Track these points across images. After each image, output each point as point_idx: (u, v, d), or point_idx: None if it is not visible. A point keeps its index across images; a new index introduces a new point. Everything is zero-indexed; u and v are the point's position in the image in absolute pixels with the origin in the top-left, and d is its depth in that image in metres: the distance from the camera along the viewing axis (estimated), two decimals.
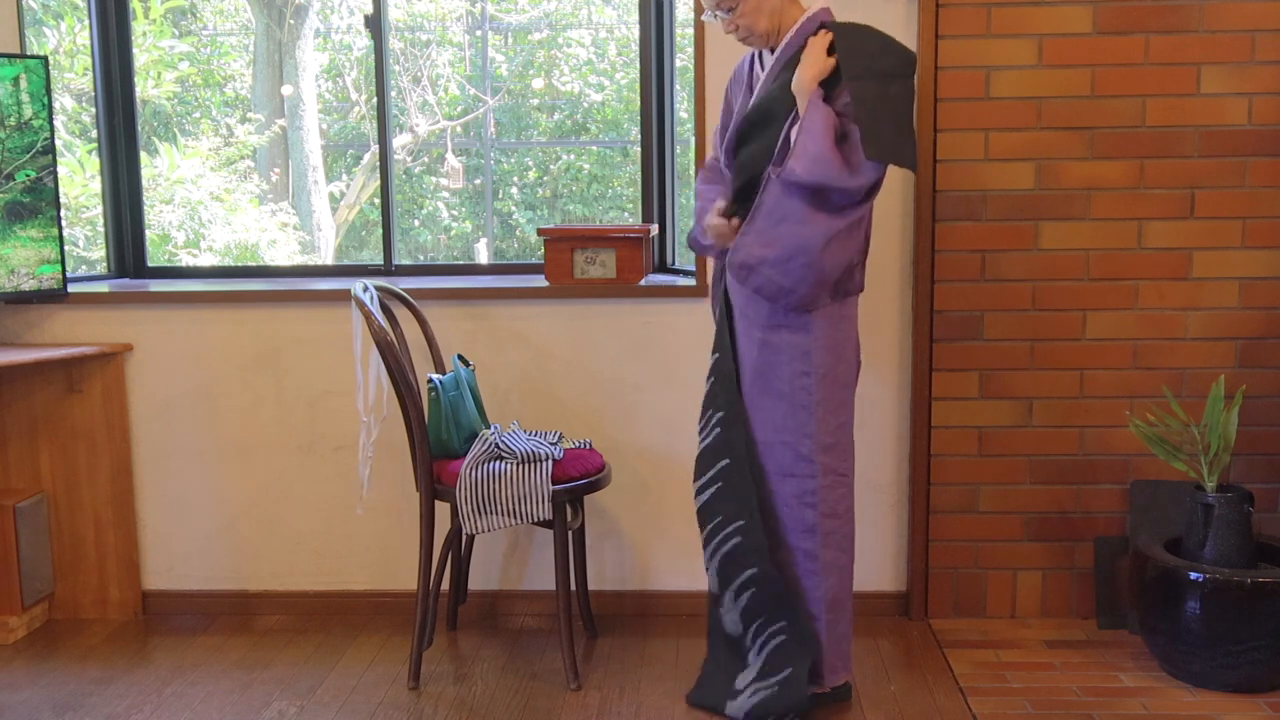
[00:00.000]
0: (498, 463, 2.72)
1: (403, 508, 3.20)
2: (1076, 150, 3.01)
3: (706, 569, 2.67)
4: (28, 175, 3.12)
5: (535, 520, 2.71)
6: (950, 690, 2.75)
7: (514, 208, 6.91)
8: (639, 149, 3.44)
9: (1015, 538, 3.15)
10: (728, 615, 2.64)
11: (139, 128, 3.53)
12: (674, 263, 3.45)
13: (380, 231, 3.51)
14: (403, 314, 3.06)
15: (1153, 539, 2.88)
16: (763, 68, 2.58)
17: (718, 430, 2.60)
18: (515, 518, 2.70)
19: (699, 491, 2.65)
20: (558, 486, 2.71)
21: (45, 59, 3.14)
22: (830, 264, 2.42)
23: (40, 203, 3.14)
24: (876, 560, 3.22)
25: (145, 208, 3.58)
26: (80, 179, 5.00)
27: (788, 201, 2.40)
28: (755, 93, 2.58)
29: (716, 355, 2.64)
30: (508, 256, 6.88)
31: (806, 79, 2.40)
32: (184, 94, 6.56)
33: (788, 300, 2.44)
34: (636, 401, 3.19)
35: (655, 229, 3.33)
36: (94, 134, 3.63)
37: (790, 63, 2.49)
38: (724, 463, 2.58)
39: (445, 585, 3.07)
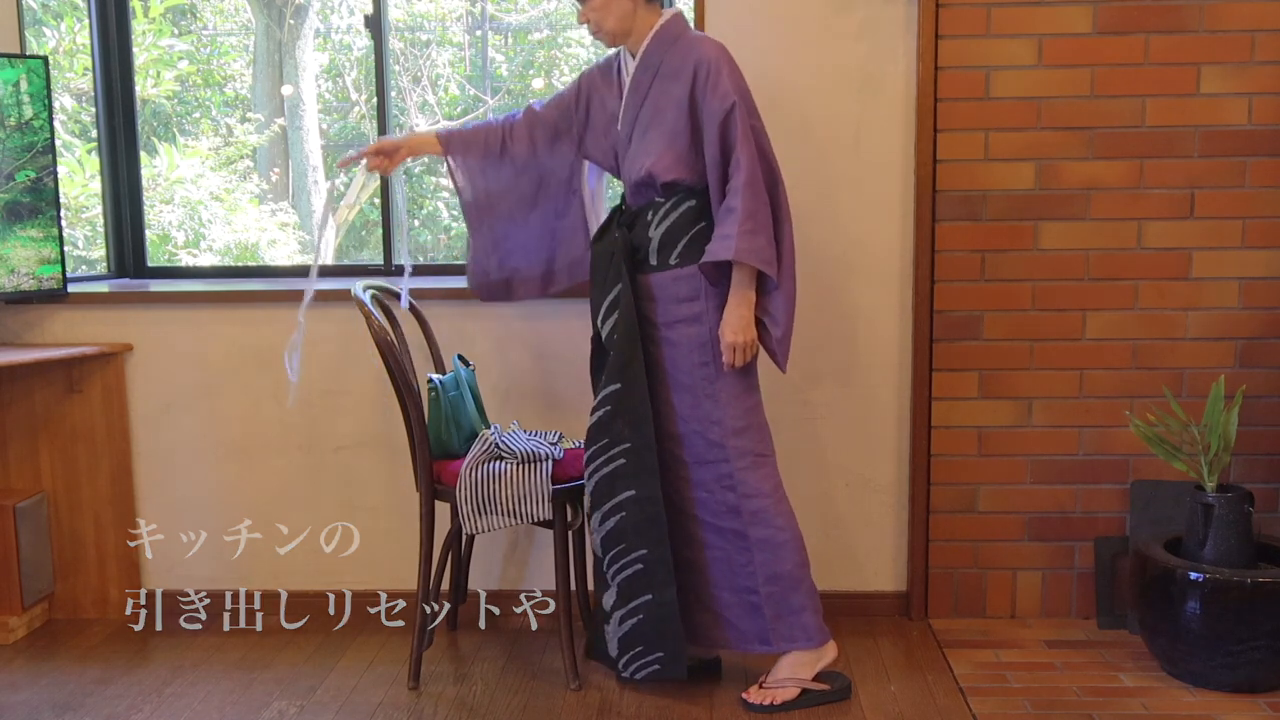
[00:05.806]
0: (498, 463, 2.72)
1: (403, 508, 3.20)
2: (1076, 150, 3.01)
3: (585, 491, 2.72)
4: (28, 175, 3.11)
5: (535, 520, 2.71)
6: (950, 690, 2.75)
7: None
8: None
9: (1015, 538, 3.15)
10: (593, 537, 2.72)
11: (139, 127, 3.53)
12: None
13: (380, 231, 3.51)
14: (403, 314, 3.05)
15: (1153, 539, 2.88)
16: (628, 73, 2.64)
17: (613, 323, 2.63)
18: (515, 518, 2.70)
19: (591, 413, 2.67)
20: (558, 486, 2.72)
21: (45, 59, 3.14)
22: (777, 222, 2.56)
23: (40, 203, 3.14)
24: (876, 560, 3.22)
25: (145, 208, 3.57)
26: (80, 179, 4.99)
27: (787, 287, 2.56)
28: (624, 99, 2.65)
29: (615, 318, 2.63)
30: None
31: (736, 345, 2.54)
32: (184, 94, 6.55)
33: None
34: None
35: None
36: (94, 134, 3.62)
37: (653, 70, 2.56)
38: (615, 387, 2.60)
39: (445, 585, 3.07)
